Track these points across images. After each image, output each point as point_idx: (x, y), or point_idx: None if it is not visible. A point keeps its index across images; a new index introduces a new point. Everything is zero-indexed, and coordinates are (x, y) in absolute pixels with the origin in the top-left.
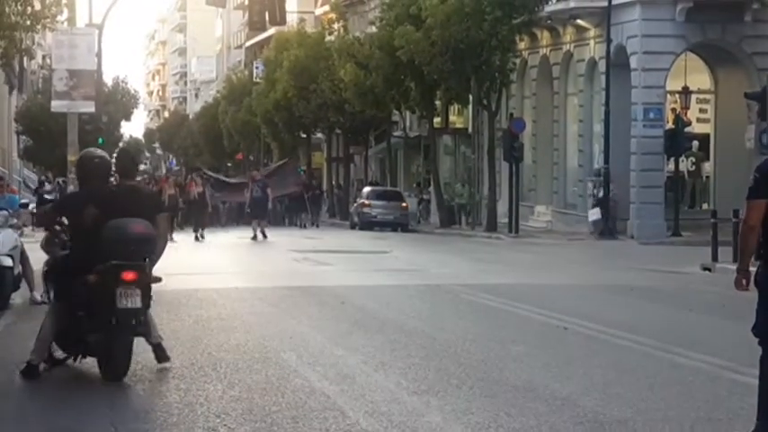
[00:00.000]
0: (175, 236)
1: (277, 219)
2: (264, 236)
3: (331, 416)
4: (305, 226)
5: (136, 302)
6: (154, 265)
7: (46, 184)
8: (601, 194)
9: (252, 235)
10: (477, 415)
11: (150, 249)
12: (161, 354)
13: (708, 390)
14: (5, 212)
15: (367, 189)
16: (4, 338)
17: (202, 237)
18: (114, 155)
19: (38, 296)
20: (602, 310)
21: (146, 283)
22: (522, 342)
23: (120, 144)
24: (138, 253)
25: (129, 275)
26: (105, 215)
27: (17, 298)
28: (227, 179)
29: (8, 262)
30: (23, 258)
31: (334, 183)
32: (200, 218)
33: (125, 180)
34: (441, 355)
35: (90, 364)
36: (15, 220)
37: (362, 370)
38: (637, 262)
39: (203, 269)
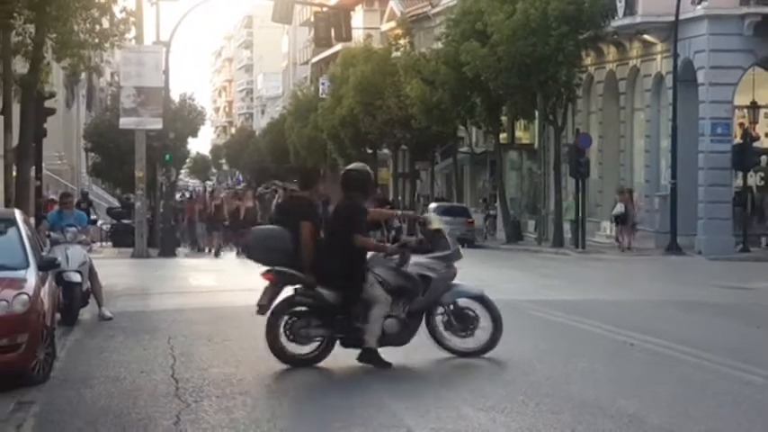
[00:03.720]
0: None
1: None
2: None
3: None
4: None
5: (263, 300)
6: (304, 266)
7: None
8: (615, 211)
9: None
10: None
11: (264, 255)
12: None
13: None
14: (74, 229)
15: (433, 205)
16: (73, 354)
17: None
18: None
19: (106, 312)
20: (669, 326)
21: (284, 283)
22: (589, 358)
23: (187, 160)
24: (260, 257)
25: (265, 275)
26: (277, 224)
27: (86, 314)
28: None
29: (77, 278)
30: (92, 274)
31: (400, 197)
32: None
33: (303, 191)
34: (507, 372)
35: (159, 378)
36: (84, 237)
37: (429, 386)
38: (704, 277)
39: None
